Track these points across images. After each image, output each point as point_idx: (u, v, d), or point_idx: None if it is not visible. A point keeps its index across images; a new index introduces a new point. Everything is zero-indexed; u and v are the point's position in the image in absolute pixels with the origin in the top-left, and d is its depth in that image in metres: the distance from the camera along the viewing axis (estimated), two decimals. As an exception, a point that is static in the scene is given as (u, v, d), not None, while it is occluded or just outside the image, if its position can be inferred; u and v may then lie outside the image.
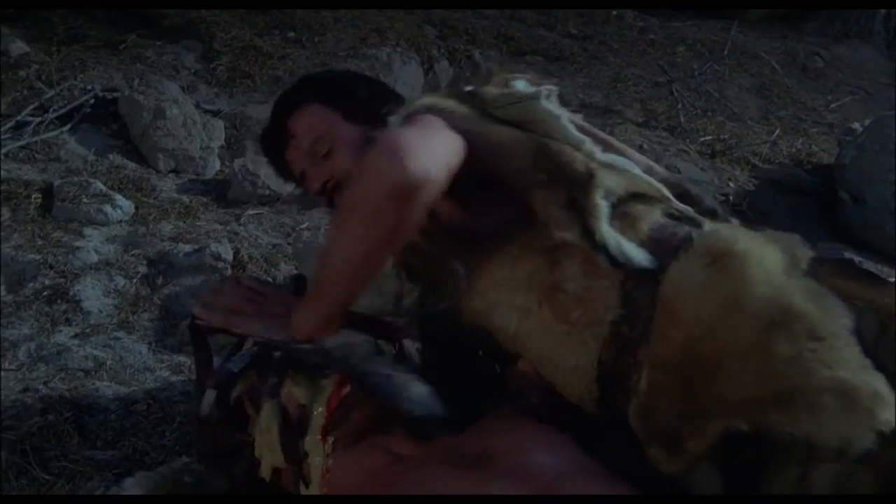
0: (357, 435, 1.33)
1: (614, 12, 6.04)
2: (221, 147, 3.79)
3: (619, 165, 1.39)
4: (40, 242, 2.79)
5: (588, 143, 1.39)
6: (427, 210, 1.29)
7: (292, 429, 1.34)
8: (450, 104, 1.43)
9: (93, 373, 2.19)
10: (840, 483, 1.10)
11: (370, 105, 1.69)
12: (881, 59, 6.07)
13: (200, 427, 1.47)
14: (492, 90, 1.48)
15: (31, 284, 2.58)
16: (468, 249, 1.39)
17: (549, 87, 1.48)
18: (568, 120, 1.42)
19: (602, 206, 1.29)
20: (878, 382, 1.13)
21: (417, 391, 1.25)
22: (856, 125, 4.20)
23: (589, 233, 1.27)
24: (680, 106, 4.66)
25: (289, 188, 3.43)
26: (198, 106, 3.91)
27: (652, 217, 1.34)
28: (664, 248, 1.28)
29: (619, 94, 5.04)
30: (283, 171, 1.79)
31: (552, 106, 1.44)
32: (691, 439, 1.19)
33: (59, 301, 2.52)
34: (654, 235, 1.31)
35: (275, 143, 1.76)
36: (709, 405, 1.18)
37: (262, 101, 4.30)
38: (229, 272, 2.75)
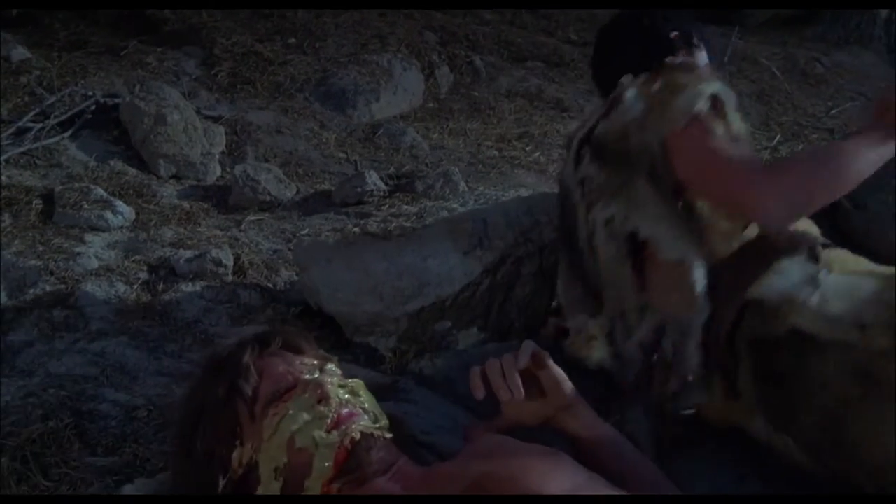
0: (364, 480, 1.32)
1: (615, 18, 6.04)
2: (222, 153, 3.80)
3: None
4: (41, 248, 2.79)
5: None
6: None
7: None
8: None
9: (93, 379, 2.18)
10: None
11: None
12: (882, 64, 6.07)
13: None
14: None
15: (32, 290, 2.58)
16: None
17: None
18: None
19: None
20: None
21: None
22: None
23: None
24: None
25: (289, 193, 3.44)
26: (199, 112, 3.92)
27: None
28: None
29: (620, 99, 5.03)
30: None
31: None
32: None
33: (59, 307, 2.52)
34: None
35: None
36: None
37: (262, 106, 4.31)
38: (230, 278, 2.75)
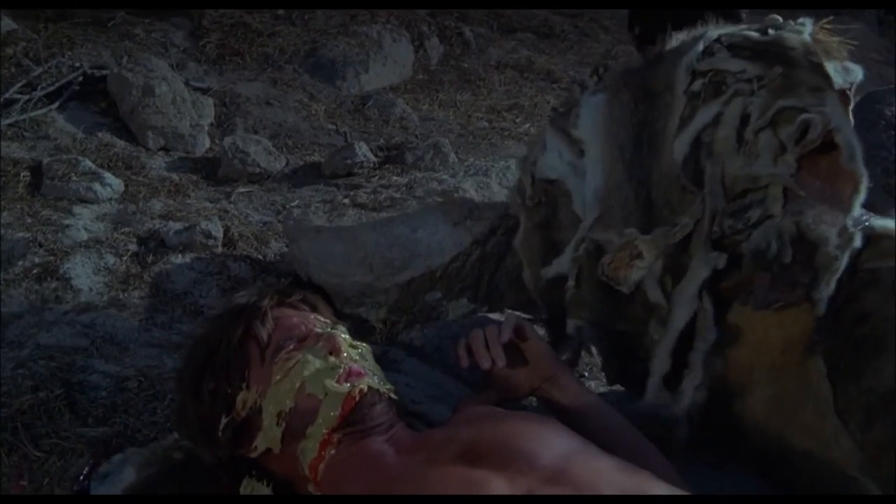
0: (364, 435, 1.34)
1: (605, -12, 6.01)
2: (211, 125, 3.78)
3: None
4: (30, 220, 2.79)
5: None
6: None
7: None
8: None
9: (83, 350, 2.19)
10: None
11: None
12: (872, 35, 6.06)
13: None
14: None
15: (21, 263, 2.57)
16: None
17: None
18: None
19: None
20: None
21: None
22: (846, 101, 4.19)
23: None
24: (671, 83, 4.64)
25: (279, 165, 3.43)
26: (187, 83, 3.89)
27: None
28: None
29: (610, 70, 5.02)
30: None
31: None
32: None
33: (49, 279, 2.52)
34: None
35: None
36: None
37: (251, 78, 4.29)
38: (219, 250, 2.74)
